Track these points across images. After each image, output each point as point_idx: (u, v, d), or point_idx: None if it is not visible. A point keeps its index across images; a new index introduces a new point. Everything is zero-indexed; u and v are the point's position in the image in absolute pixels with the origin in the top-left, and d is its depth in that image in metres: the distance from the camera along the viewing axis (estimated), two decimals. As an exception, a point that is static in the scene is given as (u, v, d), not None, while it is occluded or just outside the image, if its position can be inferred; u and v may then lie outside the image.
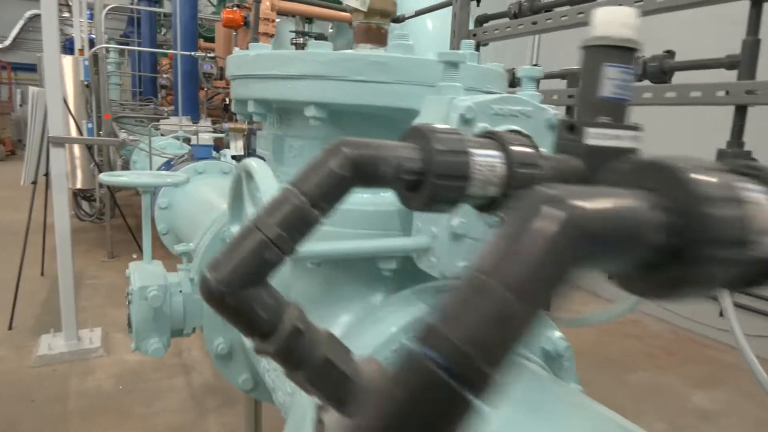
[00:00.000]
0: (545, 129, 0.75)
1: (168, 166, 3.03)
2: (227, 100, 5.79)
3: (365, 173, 0.46)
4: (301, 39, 6.78)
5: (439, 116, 0.71)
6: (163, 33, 11.04)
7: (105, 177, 1.64)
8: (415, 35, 6.47)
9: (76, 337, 3.47)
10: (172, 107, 8.18)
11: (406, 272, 0.91)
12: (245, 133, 2.03)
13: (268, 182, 0.61)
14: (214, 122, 5.93)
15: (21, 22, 15.89)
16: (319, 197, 0.44)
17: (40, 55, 6.18)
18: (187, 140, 3.86)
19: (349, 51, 1.02)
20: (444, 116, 0.70)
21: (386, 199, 0.94)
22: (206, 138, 3.08)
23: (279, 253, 0.43)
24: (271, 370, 1.11)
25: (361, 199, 0.96)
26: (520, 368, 0.77)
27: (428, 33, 6.83)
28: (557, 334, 0.92)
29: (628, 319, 4.70)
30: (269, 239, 0.43)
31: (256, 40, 2.70)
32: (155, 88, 9.80)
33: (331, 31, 7.43)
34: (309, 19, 7.09)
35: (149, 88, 9.93)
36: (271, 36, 5.49)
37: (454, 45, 2.13)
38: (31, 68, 12.80)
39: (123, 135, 2.99)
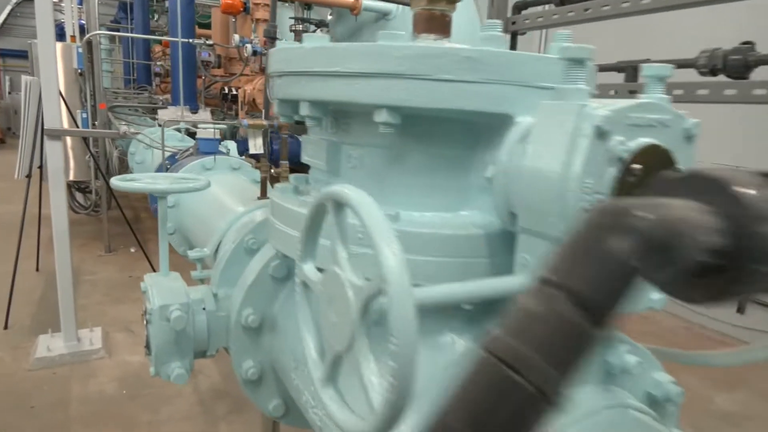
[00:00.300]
0: (683, 141, 0.62)
1: (172, 160, 2.87)
2: (225, 88, 5.60)
3: (656, 260, 0.32)
4: (300, 26, 6.57)
5: (565, 128, 0.57)
6: (155, 18, 10.76)
7: (117, 182, 1.48)
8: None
9: (76, 338, 3.33)
10: (167, 95, 7.96)
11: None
12: (266, 129, 1.89)
13: (378, 223, 0.47)
14: (212, 112, 5.75)
15: (8, 7, 15.46)
16: (598, 305, 0.30)
17: (31, 42, 5.95)
18: (191, 134, 3.68)
19: (431, 44, 0.87)
20: (572, 129, 0.57)
21: (465, 218, 0.80)
22: (210, 131, 2.92)
23: (549, 405, 0.29)
24: (318, 409, 0.97)
25: (431, 220, 0.82)
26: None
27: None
28: (666, 377, 0.79)
29: (640, 314, 4.59)
30: (536, 389, 0.31)
31: (273, 29, 2.53)
32: (149, 75, 9.56)
33: (330, 17, 7.23)
34: (308, 5, 6.87)
35: (143, 76, 9.68)
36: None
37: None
38: (21, 55, 12.46)
39: (124, 127, 2.81)
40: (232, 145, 4.13)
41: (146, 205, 8.17)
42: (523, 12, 2.15)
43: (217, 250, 1.72)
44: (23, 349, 3.38)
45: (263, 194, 1.89)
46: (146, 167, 3.87)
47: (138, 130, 5.05)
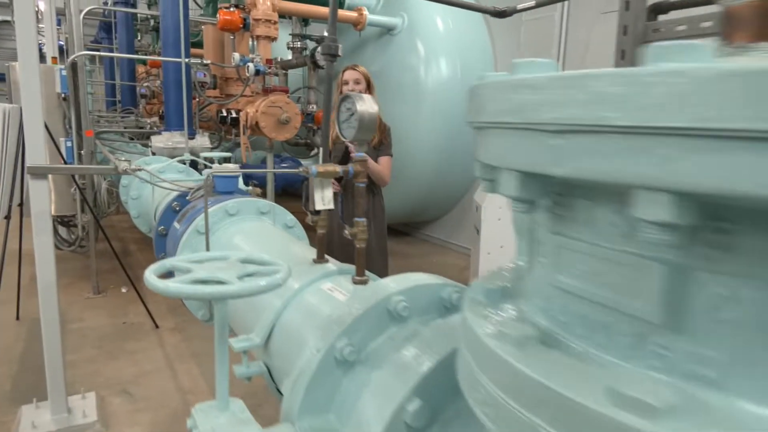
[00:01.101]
0: None
1: (182, 201, 2.43)
2: (224, 111, 5.17)
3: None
4: (299, 43, 6.18)
5: None
6: (139, 38, 10.31)
7: (155, 282, 1.03)
8: (423, 37, 5.90)
9: (66, 409, 2.83)
10: (155, 118, 7.52)
11: None
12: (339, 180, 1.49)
13: None
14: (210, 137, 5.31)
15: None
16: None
17: (9, 65, 5.47)
18: (194, 164, 3.26)
19: None
20: None
21: None
22: (223, 167, 2.51)
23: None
24: None
25: None
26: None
27: (439, 34, 6.32)
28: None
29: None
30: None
31: (334, 44, 2.11)
32: (135, 97, 9.09)
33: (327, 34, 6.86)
34: (305, 20, 6.53)
35: (128, 98, 9.21)
36: (273, 39, 4.90)
37: (620, 52, 1.59)
38: (-4, 78, 11.88)
39: (124, 163, 2.36)
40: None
41: (135, 235, 7.63)
42: (660, 17, 1.75)
43: (269, 338, 1.30)
44: (3, 424, 2.88)
45: (320, 256, 1.47)
46: (144, 204, 3.43)
47: (128, 158, 4.60)
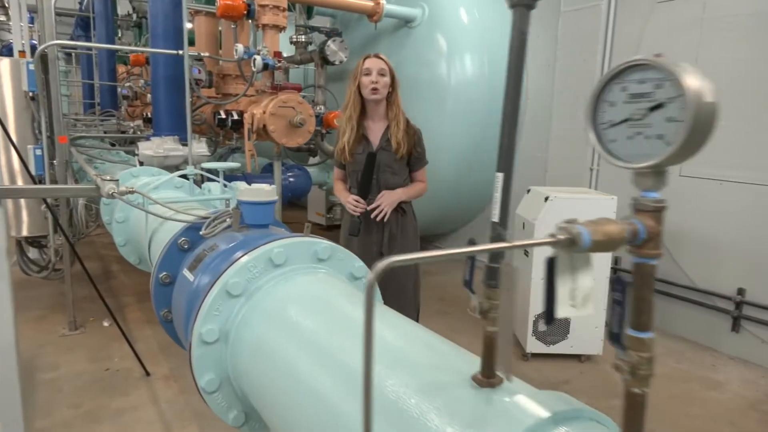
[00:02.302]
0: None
1: (193, 236, 1.74)
2: (221, 112, 4.45)
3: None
4: (303, 36, 5.48)
5: None
6: (119, 35, 9.51)
7: None
8: (445, 30, 5.25)
9: None
10: (138, 122, 6.77)
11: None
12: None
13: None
14: (208, 142, 4.58)
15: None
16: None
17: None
18: (199, 181, 2.56)
19: None
20: None
21: None
22: (261, 188, 1.84)
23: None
24: None
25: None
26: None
27: (463, 27, 5.66)
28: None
29: (705, 363, 3.63)
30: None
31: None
32: (115, 99, 8.30)
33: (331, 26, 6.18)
34: (309, 11, 5.83)
35: (108, 100, 8.42)
36: (282, 29, 4.21)
37: None
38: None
39: (110, 185, 1.65)
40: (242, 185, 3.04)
41: (118, 253, 6.82)
42: None
43: None
44: None
45: (490, 371, 0.78)
46: (133, 229, 2.71)
47: (111, 173, 3.89)
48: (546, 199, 3.60)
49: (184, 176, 2.53)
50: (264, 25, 4.14)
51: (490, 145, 5.54)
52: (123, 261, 3.30)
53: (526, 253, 3.77)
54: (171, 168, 4.10)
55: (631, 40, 4.52)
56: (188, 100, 2.37)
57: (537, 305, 3.67)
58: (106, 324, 4.18)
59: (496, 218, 0.77)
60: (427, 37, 5.43)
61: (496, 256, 0.77)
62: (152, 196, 2.22)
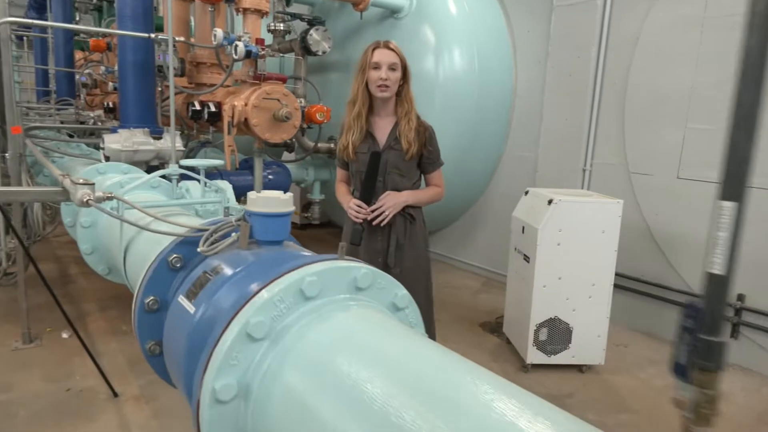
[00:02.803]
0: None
1: (186, 251, 1.44)
2: (196, 104, 4.09)
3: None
4: (281, 25, 5.13)
5: None
6: (78, 19, 8.88)
7: None
8: (434, 22, 5.01)
9: None
10: (99, 112, 6.29)
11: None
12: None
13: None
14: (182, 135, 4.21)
15: None
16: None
17: None
18: (154, 168, 2.21)
19: None
20: None
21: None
22: (273, 195, 1.55)
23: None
24: None
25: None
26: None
27: (452, 19, 5.42)
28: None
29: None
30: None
31: None
32: (73, 86, 7.74)
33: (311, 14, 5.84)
34: (288, -2, 5.49)
35: (65, 88, 7.84)
36: (264, 14, 3.87)
37: None
38: None
39: (83, 191, 1.33)
40: (223, 185, 2.75)
41: (78, 254, 6.28)
42: None
43: None
44: None
45: None
46: (102, 236, 2.36)
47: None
48: (549, 202, 3.40)
49: (166, 177, 2.19)
50: (245, 9, 3.80)
51: (480, 142, 5.34)
52: (83, 262, 2.99)
53: (527, 259, 3.57)
54: (140, 164, 3.72)
55: (628, 37, 4.37)
56: (172, 88, 2.03)
57: (538, 313, 3.48)
58: (65, 335, 3.77)
59: (719, 268, 0.52)
60: (414, 29, 5.17)
61: (716, 322, 0.52)
62: (131, 199, 1.91)
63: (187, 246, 1.47)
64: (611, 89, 4.54)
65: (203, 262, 1.33)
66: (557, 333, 3.53)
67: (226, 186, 2.89)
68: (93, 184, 1.47)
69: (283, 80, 3.81)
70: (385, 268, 2.43)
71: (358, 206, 2.37)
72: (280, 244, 1.33)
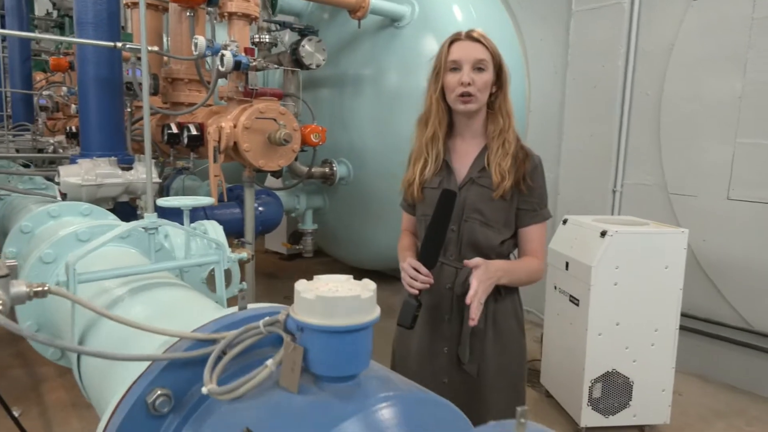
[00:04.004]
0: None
1: (179, 382, 0.82)
2: (173, 126, 3.46)
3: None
4: (267, 36, 4.55)
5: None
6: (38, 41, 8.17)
7: None
8: (439, 31, 4.51)
9: None
10: (60, 137, 5.61)
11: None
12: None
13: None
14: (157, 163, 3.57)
15: None
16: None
17: None
18: (124, 208, 1.60)
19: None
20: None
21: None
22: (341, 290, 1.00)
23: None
24: None
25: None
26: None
27: (457, 24, 4.93)
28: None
29: None
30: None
31: None
32: (31, 110, 7.02)
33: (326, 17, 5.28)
34: (273, 5, 4.94)
35: (21, 111, 7.09)
36: (253, 20, 3.29)
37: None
38: None
39: (18, 289, 0.71)
40: (212, 229, 2.20)
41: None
42: None
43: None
44: None
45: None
46: (47, 307, 1.71)
47: (14, 203, 2.88)
48: (603, 234, 2.86)
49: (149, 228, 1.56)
50: (230, 15, 3.21)
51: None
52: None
53: (575, 301, 3.02)
54: (105, 200, 3.07)
55: (662, 43, 3.92)
56: (146, 106, 1.41)
57: (594, 366, 2.92)
58: (16, 413, 3.05)
59: None
60: (416, 39, 4.64)
61: None
62: (90, 261, 1.29)
63: (179, 370, 0.85)
64: (643, 101, 4.07)
65: (216, 414, 0.72)
66: (615, 389, 2.97)
67: (216, 229, 2.27)
68: (13, 266, 0.85)
69: (279, 96, 3.22)
70: (456, 369, 1.68)
71: (415, 269, 1.54)
72: (354, 379, 0.73)
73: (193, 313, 1.17)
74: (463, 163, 1.70)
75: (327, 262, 6.77)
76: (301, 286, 0.73)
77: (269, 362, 0.73)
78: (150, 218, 1.40)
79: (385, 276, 6.20)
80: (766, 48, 3.42)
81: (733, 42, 3.56)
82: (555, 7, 4.56)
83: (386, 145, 4.73)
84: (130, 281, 1.42)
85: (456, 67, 1.61)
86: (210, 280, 2.14)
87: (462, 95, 1.59)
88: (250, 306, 0.97)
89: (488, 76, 1.61)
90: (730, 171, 3.62)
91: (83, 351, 0.81)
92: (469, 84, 1.58)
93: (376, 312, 0.72)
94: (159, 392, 0.82)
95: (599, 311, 2.88)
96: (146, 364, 0.85)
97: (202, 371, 0.82)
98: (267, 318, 0.83)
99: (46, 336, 0.75)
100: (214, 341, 0.87)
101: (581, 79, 4.39)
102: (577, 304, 3.00)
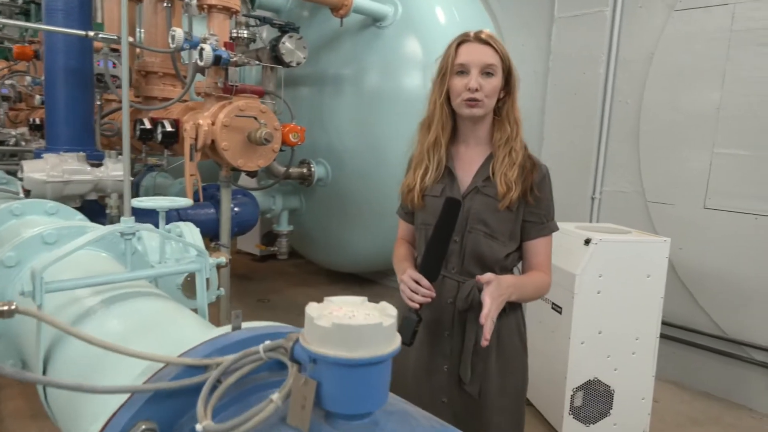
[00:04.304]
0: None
1: (166, 415, 0.72)
2: (146, 122, 3.32)
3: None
4: (245, 31, 4.42)
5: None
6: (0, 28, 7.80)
7: None
8: (422, 33, 4.46)
9: None
10: (23, 129, 5.37)
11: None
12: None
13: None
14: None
15: None
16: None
17: None
18: (93, 209, 1.49)
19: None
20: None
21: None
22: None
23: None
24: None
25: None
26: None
27: (441, 28, 4.88)
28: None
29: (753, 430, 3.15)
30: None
31: None
32: (-9, 100, 6.68)
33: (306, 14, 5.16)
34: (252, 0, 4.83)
35: (-20, 101, 6.75)
36: (234, 13, 3.18)
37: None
38: None
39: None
40: (189, 232, 2.12)
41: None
42: None
43: None
44: None
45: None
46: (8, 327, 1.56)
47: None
48: (587, 242, 2.85)
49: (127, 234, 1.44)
50: (210, 7, 3.09)
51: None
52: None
53: (557, 309, 3.00)
54: (72, 198, 2.91)
55: (642, 53, 3.95)
56: (125, 100, 1.29)
57: (576, 375, 2.90)
58: (-32, 424, 2.87)
59: None
60: (399, 40, 4.58)
61: None
62: (59, 266, 1.18)
63: (166, 400, 0.76)
64: (623, 109, 4.09)
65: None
66: (596, 397, 2.95)
67: (192, 232, 2.17)
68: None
69: (260, 94, 3.11)
70: (455, 384, 1.59)
71: (416, 282, 1.45)
72: (370, 416, 0.65)
73: (177, 330, 1.07)
74: (466, 171, 1.61)
75: (301, 264, 6.65)
76: (313, 311, 0.64)
77: (275, 397, 0.64)
78: (127, 222, 1.28)
79: (362, 279, 6.12)
80: (744, 60, 3.47)
81: (712, 53, 3.61)
82: (537, 13, 4.56)
83: (366, 146, 4.65)
84: (103, 290, 1.31)
85: (463, 71, 1.52)
86: (186, 286, 2.03)
87: (468, 100, 1.51)
88: (244, 325, 0.89)
89: (497, 81, 1.52)
90: (707, 180, 3.67)
91: (54, 384, 0.70)
92: (476, 89, 1.49)
93: (397, 341, 0.65)
94: (144, 426, 0.73)
95: (582, 319, 2.86)
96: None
97: (192, 400, 0.73)
98: (268, 342, 0.74)
99: (15, 369, 0.65)
100: (206, 368, 0.78)
101: (562, 86, 4.40)
102: (560, 312, 2.97)
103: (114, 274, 1.31)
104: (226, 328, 0.88)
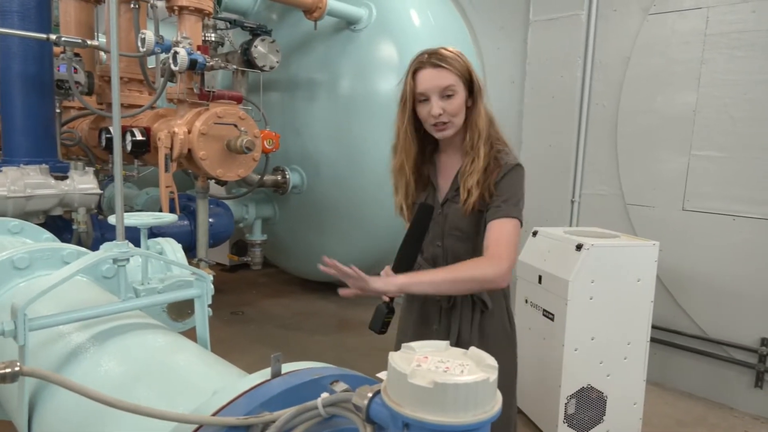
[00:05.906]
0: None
1: None
2: (111, 130, 3.09)
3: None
4: (213, 34, 4.25)
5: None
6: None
7: None
8: (396, 36, 4.40)
9: None
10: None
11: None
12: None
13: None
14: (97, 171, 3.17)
15: None
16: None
17: None
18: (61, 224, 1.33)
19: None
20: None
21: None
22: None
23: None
24: None
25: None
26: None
27: (416, 31, 4.80)
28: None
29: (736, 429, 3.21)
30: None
31: None
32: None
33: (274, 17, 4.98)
34: (218, 1, 4.64)
35: None
36: (207, 15, 3.01)
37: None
38: None
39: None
40: (171, 249, 1.99)
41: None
42: None
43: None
44: None
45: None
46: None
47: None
48: (579, 247, 2.81)
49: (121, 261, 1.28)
50: (181, 9, 2.91)
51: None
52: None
53: (549, 316, 2.95)
54: (35, 214, 2.69)
55: (618, 56, 3.98)
56: (116, 108, 1.14)
57: (570, 382, 2.86)
58: None
59: None
60: (373, 43, 4.49)
61: None
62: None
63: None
64: (600, 113, 4.11)
65: None
66: (589, 404, 2.92)
67: (174, 248, 2.02)
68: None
69: (239, 100, 2.95)
70: None
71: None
72: None
73: (188, 372, 0.93)
74: (446, 180, 1.70)
75: (273, 273, 6.45)
76: (400, 363, 0.53)
77: None
78: (121, 247, 1.13)
79: (337, 288, 5.98)
80: (719, 63, 3.53)
81: (687, 57, 3.66)
82: (512, 16, 4.55)
83: (341, 152, 4.53)
84: (92, 323, 1.16)
85: (424, 98, 1.55)
86: (171, 309, 1.87)
87: (436, 125, 1.58)
88: (284, 367, 0.76)
89: (459, 99, 1.55)
90: (685, 182, 3.71)
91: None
92: (440, 114, 1.54)
93: (499, 397, 0.54)
94: None
95: (576, 326, 2.82)
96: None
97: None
98: (326, 396, 0.63)
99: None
100: (247, 428, 0.65)
101: (539, 89, 4.40)
102: (552, 319, 2.93)
103: (105, 305, 1.15)
104: (263, 374, 0.75)
